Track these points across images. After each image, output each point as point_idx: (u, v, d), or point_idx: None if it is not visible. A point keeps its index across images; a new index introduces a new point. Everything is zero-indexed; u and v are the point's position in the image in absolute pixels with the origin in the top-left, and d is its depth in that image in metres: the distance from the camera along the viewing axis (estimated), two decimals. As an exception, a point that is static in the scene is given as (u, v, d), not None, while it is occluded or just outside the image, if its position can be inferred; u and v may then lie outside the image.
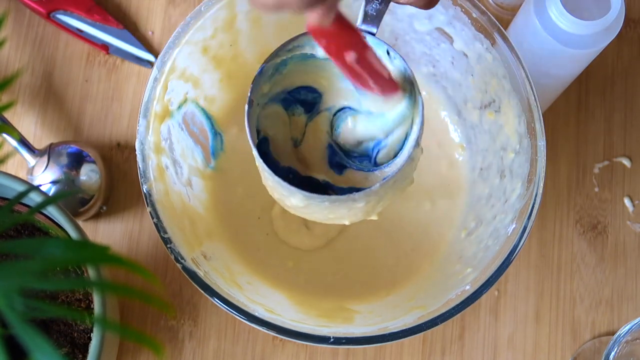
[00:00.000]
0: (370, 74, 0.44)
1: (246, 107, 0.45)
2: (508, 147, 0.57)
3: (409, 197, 0.62)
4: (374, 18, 0.46)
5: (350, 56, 0.42)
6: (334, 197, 0.45)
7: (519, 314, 0.63)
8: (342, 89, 0.50)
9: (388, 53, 0.46)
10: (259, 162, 0.45)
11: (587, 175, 0.67)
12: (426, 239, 0.61)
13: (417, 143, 0.46)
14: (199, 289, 0.50)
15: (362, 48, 0.43)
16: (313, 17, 0.38)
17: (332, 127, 0.50)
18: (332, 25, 0.40)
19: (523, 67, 0.54)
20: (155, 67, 0.54)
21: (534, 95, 0.54)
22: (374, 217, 0.48)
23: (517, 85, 0.54)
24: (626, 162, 0.67)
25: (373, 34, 0.46)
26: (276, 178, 0.44)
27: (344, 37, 0.42)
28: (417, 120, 0.46)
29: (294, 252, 0.61)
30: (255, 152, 0.45)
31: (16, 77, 0.55)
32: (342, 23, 0.41)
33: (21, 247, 0.39)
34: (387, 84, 0.45)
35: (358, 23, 0.46)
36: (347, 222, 0.48)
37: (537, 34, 0.55)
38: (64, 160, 0.62)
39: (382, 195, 0.46)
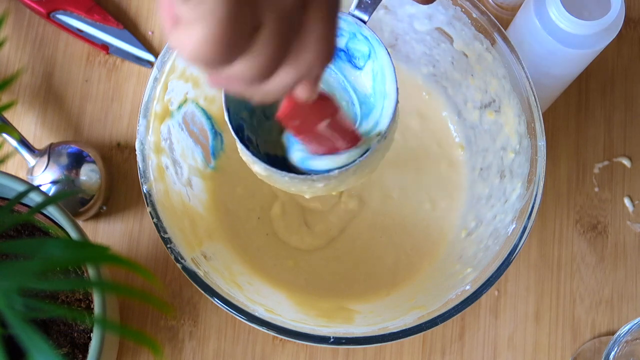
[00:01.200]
0: (339, 133, 0.43)
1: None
2: (508, 147, 0.57)
3: (409, 197, 0.62)
4: (368, 6, 0.45)
5: (324, 123, 0.40)
6: (292, 174, 0.44)
7: (519, 313, 0.63)
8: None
9: (387, 50, 0.46)
10: (228, 123, 0.44)
11: (587, 175, 0.67)
12: (426, 239, 0.61)
13: (385, 137, 0.45)
14: (199, 289, 0.50)
15: (335, 111, 0.41)
16: (300, 94, 0.34)
17: None
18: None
19: (523, 67, 0.54)
20: (155, 67, 0.54)
21: (534, 95, 0.54)
22: (334, 193, 0.48)
23: (517, 85, 0.54)
24: (626, 162, 0.67)
25: (364, 22, 0.45)
26: (241, 146, 0.44)
27: (323, 107, 0.39)
28: (388, 114, 0.45)
29: (294, 252, 0.61)
30: (226, 116, 0.44)
31: (16, 77, 0.55)
32: (321, 94, 0.38)
33: (21, 247, 0.39)
34: (352, 138, 0.44)
35: (352, 8, 0.45)
36: (307, 196, 0.48)
37: (537, 34, 0.55)
38: (64, 160, 0.62)
39: (342, 180, 0.46)
